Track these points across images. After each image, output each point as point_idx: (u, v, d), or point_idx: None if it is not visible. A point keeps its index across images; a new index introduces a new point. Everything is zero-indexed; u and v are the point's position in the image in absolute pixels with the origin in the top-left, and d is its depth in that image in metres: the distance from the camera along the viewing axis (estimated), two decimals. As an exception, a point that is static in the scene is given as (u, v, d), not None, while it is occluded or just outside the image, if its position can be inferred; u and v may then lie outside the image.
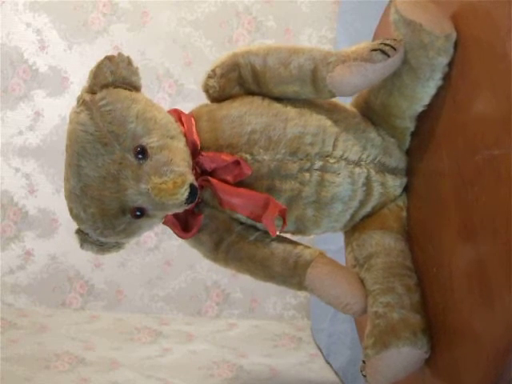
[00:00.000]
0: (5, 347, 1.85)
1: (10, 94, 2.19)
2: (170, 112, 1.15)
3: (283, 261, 1.17)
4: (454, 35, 1.06)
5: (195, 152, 1.12)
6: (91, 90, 1.08)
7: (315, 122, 1.15)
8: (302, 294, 2.29)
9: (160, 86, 2.18)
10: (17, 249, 2.23)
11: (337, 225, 1.22)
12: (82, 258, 2.23)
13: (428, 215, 1.16)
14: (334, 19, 2.18)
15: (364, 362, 1.11)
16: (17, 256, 2.23)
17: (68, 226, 2.21)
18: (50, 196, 2.22)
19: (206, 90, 1.19)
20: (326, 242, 1.97)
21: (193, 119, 1.15)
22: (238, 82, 1.16)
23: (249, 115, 1.14)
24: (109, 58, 1.07)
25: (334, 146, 1.15)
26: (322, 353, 1.96)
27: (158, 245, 2.26)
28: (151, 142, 1.04)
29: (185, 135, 1.11)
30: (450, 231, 1.07)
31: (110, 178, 1.03)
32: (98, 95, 1.06)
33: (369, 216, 1.22)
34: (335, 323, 1.86)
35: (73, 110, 1.09)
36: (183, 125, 1.13)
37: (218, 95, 1.18)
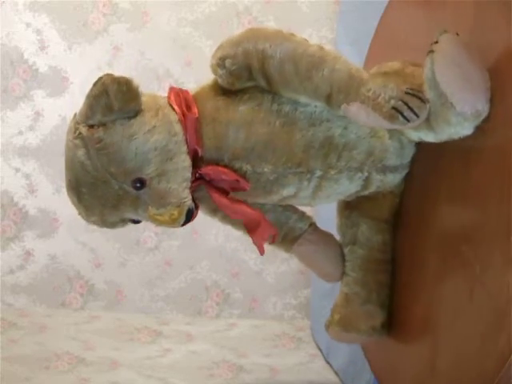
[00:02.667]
0: (5, 347, 1.85)
1: (10, 94, 2.19)
2: (173, 102, 1.12)
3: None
4: (485, 113, 0.98)
5: (196, 158, 1.12)
6: (87, 122, 1.05)
7: (323, 132, 1.13)
8: (302, 294, 2.29)
9: (160, 86, 2.17)
10: (17, 249, 2.23)
11: (331, 202, 1.31)
12: (82, 258, 2.23)
13: (420, 201, 1.19)
14: (334, 19, 2.18)
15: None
16: (17, 256, 2.23)
17: (68, 225, 2.21)
18: (49, 196, 2.22)
19: (215, 74, 1.13)
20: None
21: (196, 119, 1.11)
22: (248, 79, 1.11)
23: (255, 124, 1.12)
24: (105, 90, 1.02)
25: (339, 158, 1.14)
26: (322, 353, 1.96)
27: (157, 245, 2.26)
28: (150, 172, 1.06)
29: (186, 141, 1.10)
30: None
31: (110, 205, 1.08)
32: (95, 135, 1.04)
33: (364, 196, 1.25)
34: (335, 323, 1.86)
35: (70, 137, 1.07)
36: (186, 122, 1.10)
37: (227, 87, 1.13)
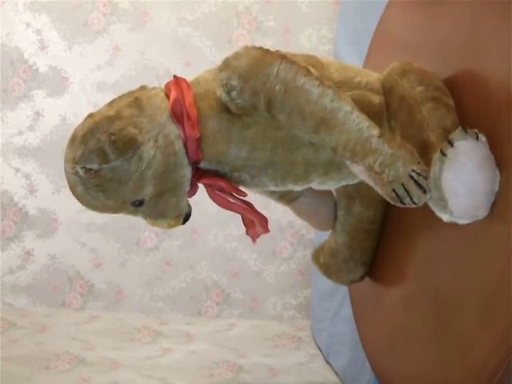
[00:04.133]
0: (5, 347, 1.85)
1: (10, 94, 2.19)
2: (175, 113, 1.11)
3: None
4: (485, 215, 0.99)
5: (196, 164, 1.15)
6: (84, 166, 1.07)
7: (326, 156, 1.14)
8: (302, 294, 2.29)
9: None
10: (17, 249, 2.23)
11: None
12: (82, 258, 2.23)
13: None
14: (334, 19, 2.18)
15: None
16: (17, 256, 2.23)
17: (68, 226, 2.21)
18: (49, 196, 2.22)
19: (219, 91, 1.10)
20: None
21: (198, 138, 1.11)
22: (253, 111, 1.10)
23: (258, 146, 1.12)
24: (101, 148, 1.04)
25: (339, 172, 1.18)
26: (322, 353, 1.96)
27: (157, 245, 2.26)
28: (148, 193, 1.11)
29: (187, 153, 1.11)
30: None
31: (111, 211, 1.15)
32: (91, 181, 1.07)
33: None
34: (335, 323, 1.86)
35: (68, 169, 1.09)
36: (188, 141, 1.11)
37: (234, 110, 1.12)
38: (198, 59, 2.20)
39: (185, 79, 1.15)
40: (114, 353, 1.88)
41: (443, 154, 0.97)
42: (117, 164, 1.06)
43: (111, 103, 1.12)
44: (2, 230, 2.22)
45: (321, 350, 1.97)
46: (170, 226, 1.17)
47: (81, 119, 1.15)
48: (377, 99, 1.15)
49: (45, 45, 2.19)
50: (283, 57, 1.07)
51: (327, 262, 1.45)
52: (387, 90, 1.16)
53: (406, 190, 0.99)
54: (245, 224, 1.24)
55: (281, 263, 2.28)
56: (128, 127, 1.05)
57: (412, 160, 1.00)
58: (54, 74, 2.20)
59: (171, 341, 2.02)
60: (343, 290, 1.76)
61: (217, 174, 1.16)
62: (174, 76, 1.15)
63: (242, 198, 1.19)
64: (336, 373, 1.81)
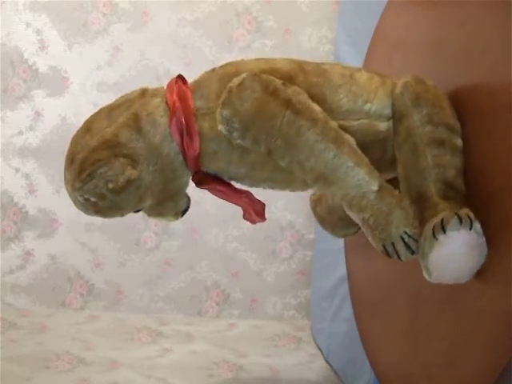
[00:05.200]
0: (5, 347, 1.85)
1: (10, 93, 2.19)
2: (174, 129, 1.10)
3: None
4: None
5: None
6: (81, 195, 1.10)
7: None
8: (302, 294, 2.29)
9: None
10: (17, 249, 2.23)
11: None
12: (82, 258, 2.23)
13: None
14: (334, 19, 2.18)
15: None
16: (17, 256, 2.23)
17: (68, 226, 2.21)
18: (49, 196, 2.22)
19: (219, 124, 1.10)
20: (326, 242, 1.98)
21: (198, 155, 1.12)
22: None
23: (257, 168, 1.14)
24: (101, 193, 1.06)
25: None
26: (322, 353, 1.96)
27: (158, 245, 2.26)
28: (147, 205, 1.15)
29: (186, 165, 1.13)
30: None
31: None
32: (90, 207, 1.10)
33: None
34: (335, 323, 1.87)
35: (69, 189, 1.11)
36: (187, 157, 1.12)
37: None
38: (198, 59, 2.20)
39: (187, 87, 1.13)
40: (114, 353, 1.88)
41: (435, 237, 1.00)
42: (115, 198, 1.09)
43: (110, 114, 1.11)
44: (2, 229, 2.22)
45: (321, 350, 1.97)
46: (169, 221, 1.22)
47: (81, 119, 1.15)
48: (384, 126, 1.13)
49: (45, 45, 2.19)
50: (288, 105, 1.04)
51: (323, 216, 1.46)
52: (397, 115, 1.12)
53: (395, 249, 1.02)
54: (243, 210, 1.24)
55: (281, 263, 2.28)
56: (125, 170, 1.06)
57: (406, 222, 1.02)
58: (54, 74, 2.20)
59: (171, 341, 2.02)
60: (343, 290, 1.76)
61: (216, 176, 1.17)
62: (177, 79, 1.14)
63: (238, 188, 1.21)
64: (336, 373, 1.81)
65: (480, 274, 1.00)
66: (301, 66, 1.14)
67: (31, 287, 2.24)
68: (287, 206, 2.22)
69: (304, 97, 1.07)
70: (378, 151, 1.14)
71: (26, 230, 2.23)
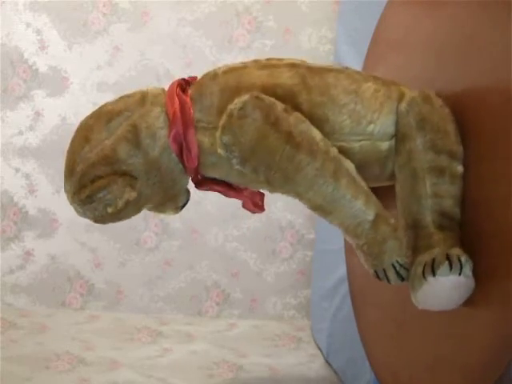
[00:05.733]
0: (5, 347, 1.85)
1: (10, 93, 2.19)
2: (173, 143, 1.10)
3: None
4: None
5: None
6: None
7: None
8: (302, 294, 2.29)
9: (160, 86, 2.17)
10: (17, 249, 2.23)
11: None
12: (82, 258, 2.23)
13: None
14: (334, 19, 2.18)
15: None
16: (17, 256, 2.23)
17: (68, 226, 2.21)
18: (49, 196, 2.22)
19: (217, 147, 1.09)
20: (326, 242, 1.98)
21: (197, 166, 1.12)
22: None
23: (257, 184, 1.14)
24: (94, 215, 1.09)
25: None
26: (322, 353, 1.96)
27: (158, 245, 2.26)
28: (148, 207, 1.18)
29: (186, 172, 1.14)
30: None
31: None
32: (89, 218, 1.13)
33: None
34: (335, 323, 1.86)
35: (69, 200, 1.12)
36: (187, 169, 1.13)
37: None
38: (198, 59, 2.20)
39: (187, 95, 1.12)
40: (114, 353, 1.88)
41: (424, 277, 1.01)
42: (114, 216, 1.12)
43: (109, 123, 1.11)
44: (2, 230, 2.22)
45: (321, 350, 1.97)
46: (169, 215, 1.24)
47: (81, 119, 1.15)
48: (386, 145, 1.12)
49: (45, 45, 2.19)
50: (288, 138, 1.04)
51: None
52: (400, 135, 1.11)
53: (386, 275, 1.08)
54: (243, 201, 1.25)
55: (281, 263, 2.28)
56: (124, 193, 1.07)
57: (399, 252, 1.06)
58: (54, 74, 2.20)
59: (171, 341, 2.02)
60: (343, 290, 1.76)
61: (215, 179, 1.18)
62: (177, 86, 1.13)
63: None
64: (336, 373, 1.81)
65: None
66: (305, 80, 1.11)
67: (31, 287, 2.24)
68: (287, 206, 2.22)
69: (305, 126, 1.06)
70: (378, 169, 1.14)
71: (25, 229, 2.23)
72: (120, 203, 1.07)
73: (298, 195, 1.08)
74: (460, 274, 0.99)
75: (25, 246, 2.23)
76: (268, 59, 1.16)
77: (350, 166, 1.08)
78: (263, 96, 1.06)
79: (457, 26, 1.12)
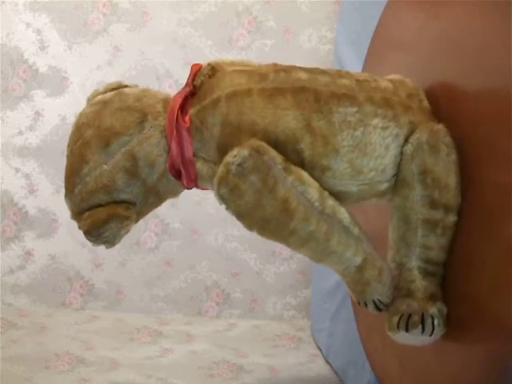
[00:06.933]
0: (5, 347, 1.85)
1: (10, 93, 2.19)
2: (173, 160, 1.10)
3: None
4: None
5: None
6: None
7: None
8: (302, 294, 2.29)
9: (160, 86, 2.17)
10: (17, 249, 2.23)
11: None
12: (82, 258, 2.23)
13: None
14: (334, 19, 2.18)
15: None
16: (17, 256, 2.23)
17: (68, 226, 2.21)
18: (49, 196, 2.22)
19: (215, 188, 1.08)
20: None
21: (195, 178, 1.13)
22: None
23: None
24: (93, 243, 1.11)
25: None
26: (322, 353, 1.96)
27: (158, 245, 2.26)
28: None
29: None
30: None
31: None
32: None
33: None
34: (335, 323, 1.86)
35: (69, 208, 1.14)
36: (183, 182, 1.13)
37: None
38: (198, 59, 2.18)
39: (186, 122, 1.10)
40: (114, 353, 1.88)
41: (398, 329, 1.09)
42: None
43: (107, 147, 1.10)
44: (2, 230, 2.22)
45: (321, 350, 1.97)
46: None
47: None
48: (385, 186, 1.12)
49: (45, 45, 2.19)
50: (284, 205, 1.05)
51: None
52: (400, 178, 1.10)
53: (366, 305, 1.16)
54: None
55: (281, 263, 2.28)
56: (122, 230, 1.10)
57: (381, 291, 1.12)
58: (54, 74, 2.20)
59: (171, 341, 2.02)
60: (343, 290, 1.75)
61: None
62: (178, 110, 1.10)
63: None
64: (336, 373, 1.81)
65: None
66: (310, 123, 1.07)
67: (31, 287, 2.24)
68: (287, 206, 2.22)
69: (303, 188, 1.06)
70: (375, 199, 1.16)
71: (26, 229, 2.23)
72: (117, 240, 1.11)
73: (291, 248, 1.11)
74: (431, 335, 1.06)
75: (25, 246, 2.23)
76: (276, 68, 1.12)
77: (344, 216, 1.09)
78: (264, 149, 1.04)
79: (457, 26, 1.12)
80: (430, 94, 1.16)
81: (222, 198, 1.05)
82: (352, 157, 1.08)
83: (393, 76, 1.22)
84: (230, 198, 1.04)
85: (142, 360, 1.85)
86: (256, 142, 1.04)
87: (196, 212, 2.20)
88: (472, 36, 1.06)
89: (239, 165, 1.02)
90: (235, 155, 1.03)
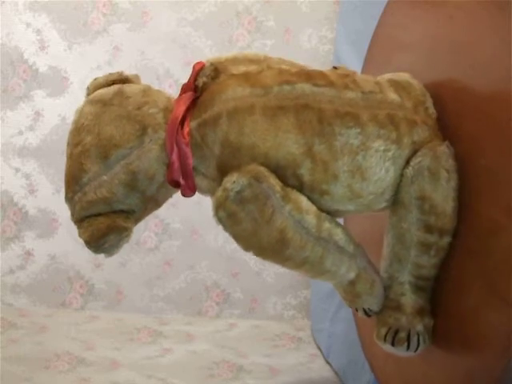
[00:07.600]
0: (5, 347, 1.85)
1: (10, 94, 2.19)
2: (172, 172, 1.10)
3: None
4: None
5: None
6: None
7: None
8: (302, 294, 2.29)
9: (160, 86, 2.15)
10: (17, 249, 2.23)
11: None
12: (82, 258, 2.23)
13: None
14: (334, 19, 2.18)
15: None
16: (17, 256, 2.23)
17: (68, 226, 2.21)
18: (49, 196, 2.22)
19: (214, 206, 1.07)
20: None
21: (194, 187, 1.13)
22: None
23: None
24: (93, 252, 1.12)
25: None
26: (322, 353, 1.96)
27: (158, 245, 2.26)
28: None
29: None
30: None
31: None
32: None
33: None
34: (335, 323, 1.86)
35: (70, 210, 1.14)
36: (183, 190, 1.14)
37: None
38: (198, 59, 2.18)
39: (186, 137, 1.09)
40: (114, 353, 1.88)
41: (385, 341, 1.14)
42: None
43: (106, 161, 1.09)
44: (2, 230, 2.22)
45: (321, 350, 1.97)
46: None
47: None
48: (383, 205, 1.13)
49: (45, 45, 2.19)
50: (280, 235, 1.05)
51: None
52: (399, 199, 1.10)
53: (356, 309, 1.21)
54: None
55: (281, 263, 2.27)
56: (121, 241, 1.11)
57: (371, 302, 1.15)
58: (54, 74, 2.20)
59: (171, 341, 2.02)
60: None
61: None
62: (179, 123, 1.09)
63: None
64: (336, 373, 1.81)
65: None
66: (311, 148, 1.05)
67: (31, 287, 2.24)
68: (287, 206, 2.22)
69: (300, 216, 1.05)
70: (373, 212, 1.17)
71: (25, 229, 2.23)
72: (117, 250, 1.11)
73: (284, 268, 1.12)
74: (415, 351, 1.09)
75: (25, 246, 2.23)
76: (280, 80, 1.09)
77: (339, 237, 1.09)
78: (263, 177, 1.03)
79: (457, 27, 1.12)
80: (430, 94, 1.16)
81: (220, 221, 1.06)
82: (351, 182, 1.07)
83: (401, 74, 1.20)
84: (228, 222, 1.05)
85: (141, 360, 1.85)
86: (255, 169, 1.03)
87: (196, 212, 2.20)
88: (473, 36, 1.06)
89: (238, 192, 1.02)
90: (234, 181, 1.02)
